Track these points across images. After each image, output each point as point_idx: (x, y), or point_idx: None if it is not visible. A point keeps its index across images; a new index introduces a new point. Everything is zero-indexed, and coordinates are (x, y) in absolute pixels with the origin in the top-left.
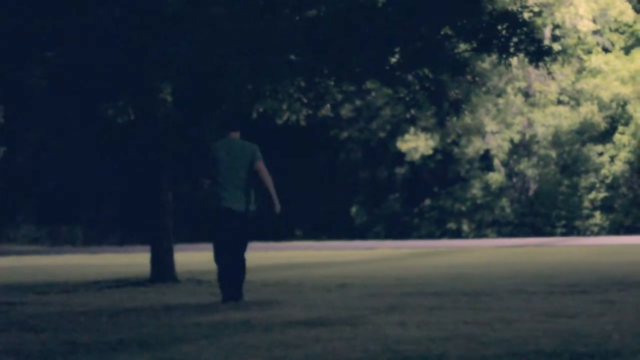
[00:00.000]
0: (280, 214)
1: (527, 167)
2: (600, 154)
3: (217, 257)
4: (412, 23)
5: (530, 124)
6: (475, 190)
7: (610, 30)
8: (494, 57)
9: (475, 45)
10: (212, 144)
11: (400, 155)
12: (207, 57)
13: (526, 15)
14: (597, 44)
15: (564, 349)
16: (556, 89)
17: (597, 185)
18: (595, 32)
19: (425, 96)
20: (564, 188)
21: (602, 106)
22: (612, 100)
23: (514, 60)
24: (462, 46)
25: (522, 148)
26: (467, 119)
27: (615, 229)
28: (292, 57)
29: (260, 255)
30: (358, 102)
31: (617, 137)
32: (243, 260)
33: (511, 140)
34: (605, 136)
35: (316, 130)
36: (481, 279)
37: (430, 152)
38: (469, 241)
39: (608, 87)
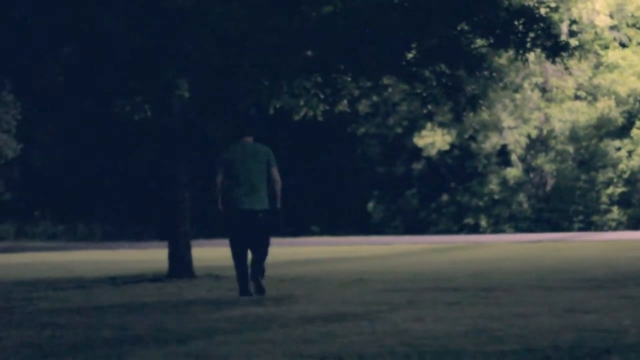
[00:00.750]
0: (284, 213)
1: (545, 162)
2: (618, 149)
3: (236, 257)
4: (428, 19)
5: (547, 119)
6: (493, 185)
7: (628, 25)
8: (511, 52)
9: (492, 40)
10: (227, 148)
11: (418, 150)
12: (224, 53)
13: (543, 10)
14: (614, 39)
15: (581, 344)
16: (573, 84)
17: (615, 180)
18: (612, 28)
19: (442, 92)
20: (582, 183)
21: (619, 101)
22: (629, 95)
23: (531, 56)
24: (479, 42)
25: (539, 143)
26: (484, 115)
27: (633, 224)
28: (309, 53)
29: (278, 251)
30: (375, 98)
31: (634, 132)
32: (265, 255)
33: (528, 136)
34: (623, 131)
35: (333, 126)
36: (498, 274)
37: (447, 147)
38: (487, 236)
39: (625, 82)
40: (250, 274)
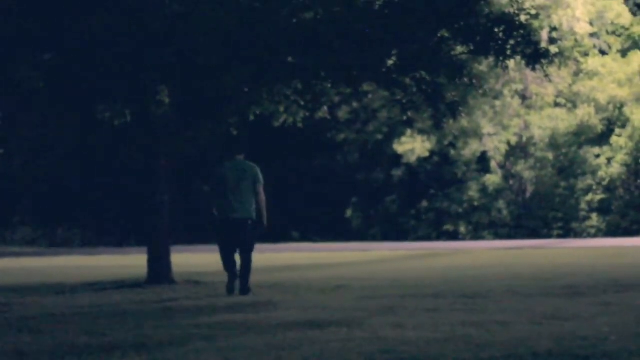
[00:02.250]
0: (268, 227)
1: (524, 169)
2: (597, 156)
3: (225, 259)
4: (409, 25)
5: (527, 126)
6: (472, 192)
7: (607, 32)
8: (491, 59)
9: (472, 47)
10: (221, 165)
11: (397, 157)
12: (204, 60)
13: (523, 17)
14: (594, 46)
15: (560, 351)
16: (553, 91)
17: (594, 188)
18: (592, 35)
19: (422, 98)
20: (561, 190)
21: (599, 108)
22: (609, 103)
23: (511, 63)
24: (459, 49)
25: (519, 150)
26: (464, 121)
27: (612, 231)
28: (290, 59)
29: (257, 257)
30: (355, 105)
31: (614, 139)
32: (251, 259)
33: (508, 143)
34: (602, 138)
35: (313, 132)
36: (478, 280)
37: (427, 154)
38: (466, 243)
39: (605, 90)
40: (239, 276)
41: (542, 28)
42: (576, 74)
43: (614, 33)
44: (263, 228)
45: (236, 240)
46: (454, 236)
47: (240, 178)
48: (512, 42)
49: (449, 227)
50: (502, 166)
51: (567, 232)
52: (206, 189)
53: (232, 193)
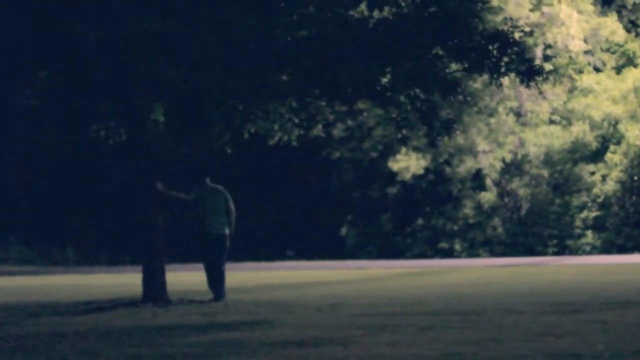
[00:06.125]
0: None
1: (519, 187)
2: (592, 173)
3: (208, 269)
4: (403, 43)
5: (522, 143)
6: (467, 209)
7: (602, 49)
8: (486, 77)
9: (466, 65)
10: (199, 189)
11: (392, 175)
12: (198, 78)
13: (517, 35)
14: (589, 63)
15: None
16: (548, 108)
17: (589, 205)
18: (586, 52)
19: (417, 116)
20: (556, 207)
21: (593, 125)
22: (603, 120)
23: (506, 80)
24: (454, 66)
25: (514, 167)
26: (459, 139)
27: (607, 248)
28: (284, 77)
29: (252, 275)
30: (350, 122)
31: (608, 156)
32: (224, 268)
33: (503, 160)
34: (597, 155)
35: (308, 150)
36: (473, 298)
37: (422, 171)
38: (461, 261)
39: (599, 107)
40: (216, 284)
41: (536, 45)
42: (571, 91)
43: (608, 50)
44: (230, 237)
45: (213, 252)
46: (449, 254)
47: (214, 198)
48: (506, 59)
49: (444, 245)
50: (497, 183)
51: (562, 250)
52: (198, 209)
53: (211, 212)
